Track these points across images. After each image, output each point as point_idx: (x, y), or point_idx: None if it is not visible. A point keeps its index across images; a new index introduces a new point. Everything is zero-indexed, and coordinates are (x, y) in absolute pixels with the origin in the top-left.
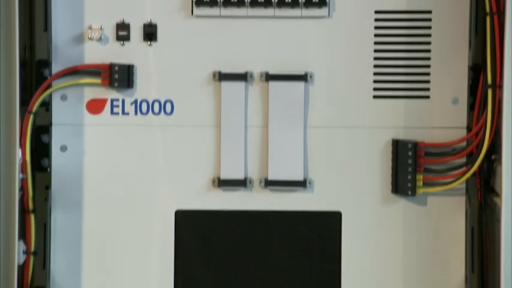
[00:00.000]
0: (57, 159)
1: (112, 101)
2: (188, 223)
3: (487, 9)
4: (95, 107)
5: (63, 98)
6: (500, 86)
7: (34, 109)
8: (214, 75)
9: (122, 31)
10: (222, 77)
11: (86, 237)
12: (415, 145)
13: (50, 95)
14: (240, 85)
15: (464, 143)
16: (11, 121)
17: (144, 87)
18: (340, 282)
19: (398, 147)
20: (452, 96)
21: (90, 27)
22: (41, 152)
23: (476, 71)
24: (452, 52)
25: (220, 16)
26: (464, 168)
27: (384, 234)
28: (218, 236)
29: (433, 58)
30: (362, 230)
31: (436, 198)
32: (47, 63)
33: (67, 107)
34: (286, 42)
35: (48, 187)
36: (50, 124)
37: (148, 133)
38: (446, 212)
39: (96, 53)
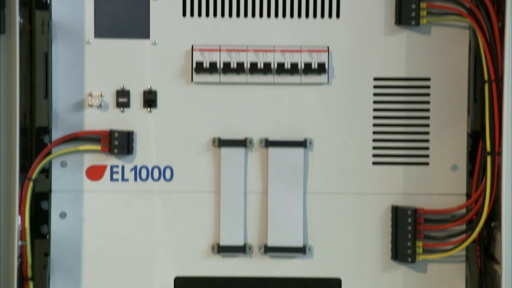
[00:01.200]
0: (57, 226)
1: (112, 167)
2: None
3: (486, 77)
4: (94, 173)
5: (63, 164)
6: (499, 153)
7: (34, 176)
8: (214, 141)
9: (122, 98)
10: (221, 143)
11: None
12: (415, 211)
13: (50, 162)
14: (239, 151)
15: (463, 210)
16: (11, 188)
17: (144, 154)
18: None
19: (397, 213)
20: (452, 162)
21: (90, 94)
22: (40, 218)
23: (475, 138)
24: (451, 119)
25: (220, 83)
26: (464, 235)
27: None
28: None
29: (432, 125)
30: None
31: (436, 265)
32: (47, 130)
33: (67, 174)
34: (286, 109)
35: (47, 254)
36: (50, 191)
37: (147, 199)
38: (446, 279)
39: (96, 120)
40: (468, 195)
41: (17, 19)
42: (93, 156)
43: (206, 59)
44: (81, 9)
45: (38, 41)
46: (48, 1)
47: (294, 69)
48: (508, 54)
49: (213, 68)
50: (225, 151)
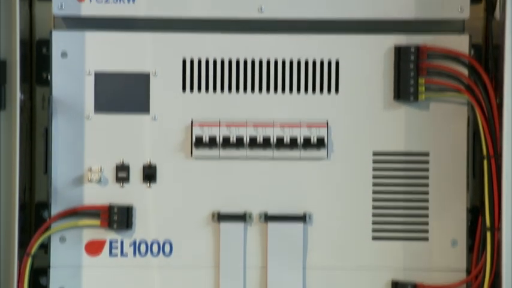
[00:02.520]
0: None
1: (111, 242)
2: None
3: (484, 152)
4: (93, 248)
5: (62, 240)
6: (499, 229)
7: (33, 251)
8: (213, 215)
9: (122, 172)
10: (221, 217)
11: None
12: (415, 287)
13: (49, 237)
14: (239, 226)
15: (464, 286)
16: (10, 263)
17: (143, 228)
18: None
19: None
20: (451, 238)
21: (90, 169)
22: None
23: (474, 213)
24: (451, 194)
25: (219, 157)
26: None
27: None
28: None
29: (431, 200)
30: None
31: None
32: (46, 205)
33: (66, 249)
34: (285, 183)
35: None
36: (48, 266)
37: (146, 275)
38: None
39: (95, 195)
40: (468, 271)
41: (18, 95)
42: (92, 231)
43: (206, 134)
44: (82, 84)
45: (39, 116)
46: (48, 77)
47: (293, 143)
48: (506, 130)
49: (212, 143)
50: (224, 226)
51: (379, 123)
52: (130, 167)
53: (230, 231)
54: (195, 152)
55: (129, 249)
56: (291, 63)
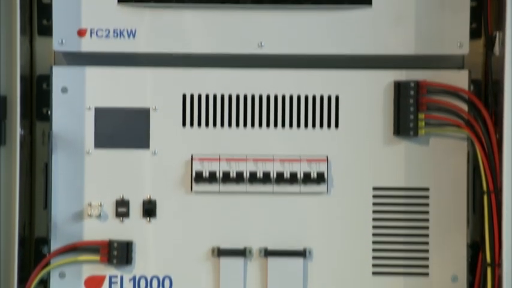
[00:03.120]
0: None
1: (110, 277)
2: None
3: (484, 187)
4: (93, 284)
5: (61, 275)
6: (499, 265)
7: (32, 287)
8: (213, 251)
9: (121, 208)
10: (221, 253)
11: None
12: None
13: (48, 273)
14: (239, 261)
15: None
16: None
17: (143, 264)
18: None
19: None
20: (452, 273)
21: (89, 204)
22: None
23: (475, 248)
24: (451, 229)
25: (219, 192)
26: None
27: None
28: None
29: (431, 235)
30: None
31: None
32: (45, 241)
33: (65, 285)
34: (285, 218)
35: None
36: None
37: None
38: None
39: (95, 230)
40: None
41: (18, 131)
42: (91, 267)
43: (206, 169)
44: (82, 120)
45: (39, 151)
46: (49, 112)
47: (293, 178)
48: (506, 165)
49: (212, 178)
50: (224, 261)
51: (379, 158)
52: (130, 202)
53: (230, 267)
54: (195, 187)
55: (128, 285)
56: (291, 98)
